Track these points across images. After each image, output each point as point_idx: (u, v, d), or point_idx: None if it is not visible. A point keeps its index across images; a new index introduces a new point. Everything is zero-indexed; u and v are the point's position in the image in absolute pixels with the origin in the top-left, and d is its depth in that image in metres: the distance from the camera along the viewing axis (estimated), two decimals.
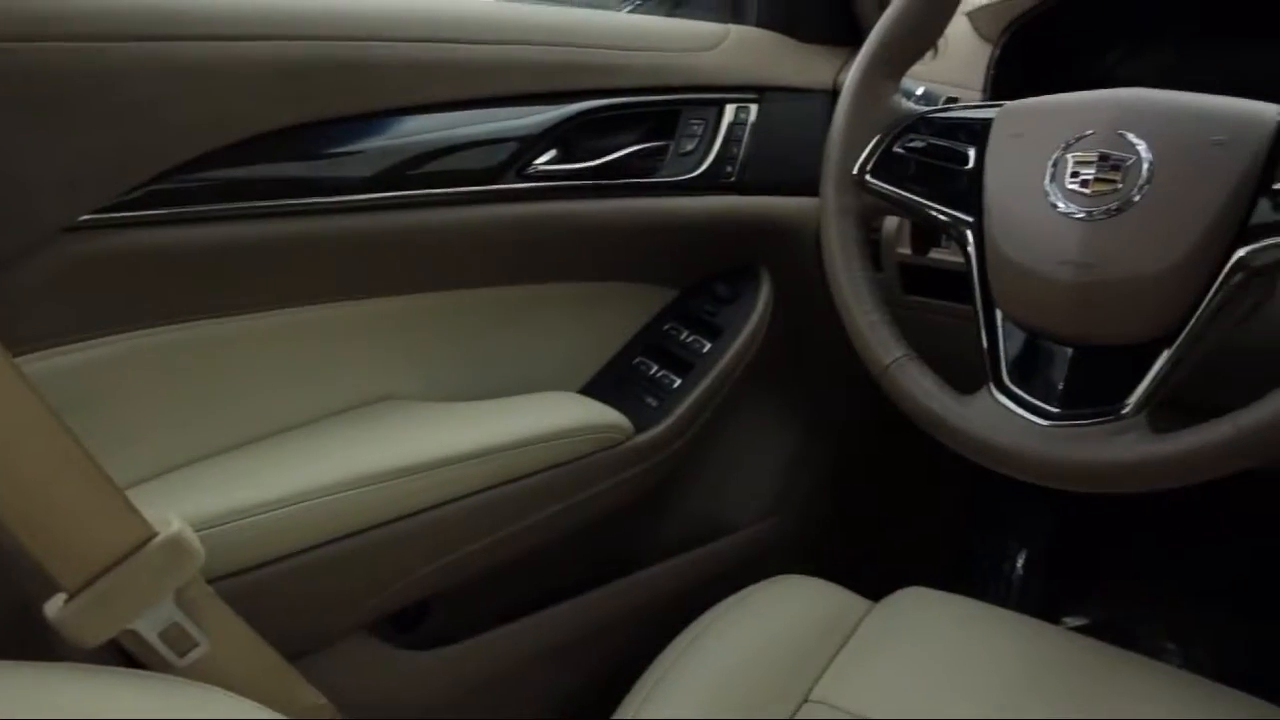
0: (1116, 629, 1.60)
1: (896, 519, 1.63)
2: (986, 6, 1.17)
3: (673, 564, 1.28)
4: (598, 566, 1.22)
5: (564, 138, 1.06)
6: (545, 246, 1.10)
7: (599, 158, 1.08)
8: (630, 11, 1.39)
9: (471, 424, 1.03)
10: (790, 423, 1.42)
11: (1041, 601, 1.67)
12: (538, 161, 1.04)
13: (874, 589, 1.04)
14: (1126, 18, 1.14)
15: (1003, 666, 0.91)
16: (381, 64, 0.95)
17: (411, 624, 1.06)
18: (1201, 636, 1.55)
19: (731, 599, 1.02)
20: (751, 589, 1.04)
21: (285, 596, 0.89)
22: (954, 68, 1.18)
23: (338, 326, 1.02)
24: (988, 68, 1.14)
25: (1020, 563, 1.72)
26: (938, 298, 1.11)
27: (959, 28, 1.22)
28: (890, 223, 1.14)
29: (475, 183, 1.02)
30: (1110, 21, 1.15)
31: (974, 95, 1.13)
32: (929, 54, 1.21)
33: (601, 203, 1.10)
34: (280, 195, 0.92)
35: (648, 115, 1.13)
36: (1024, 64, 1.14)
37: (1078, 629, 1.59)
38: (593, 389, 1.19)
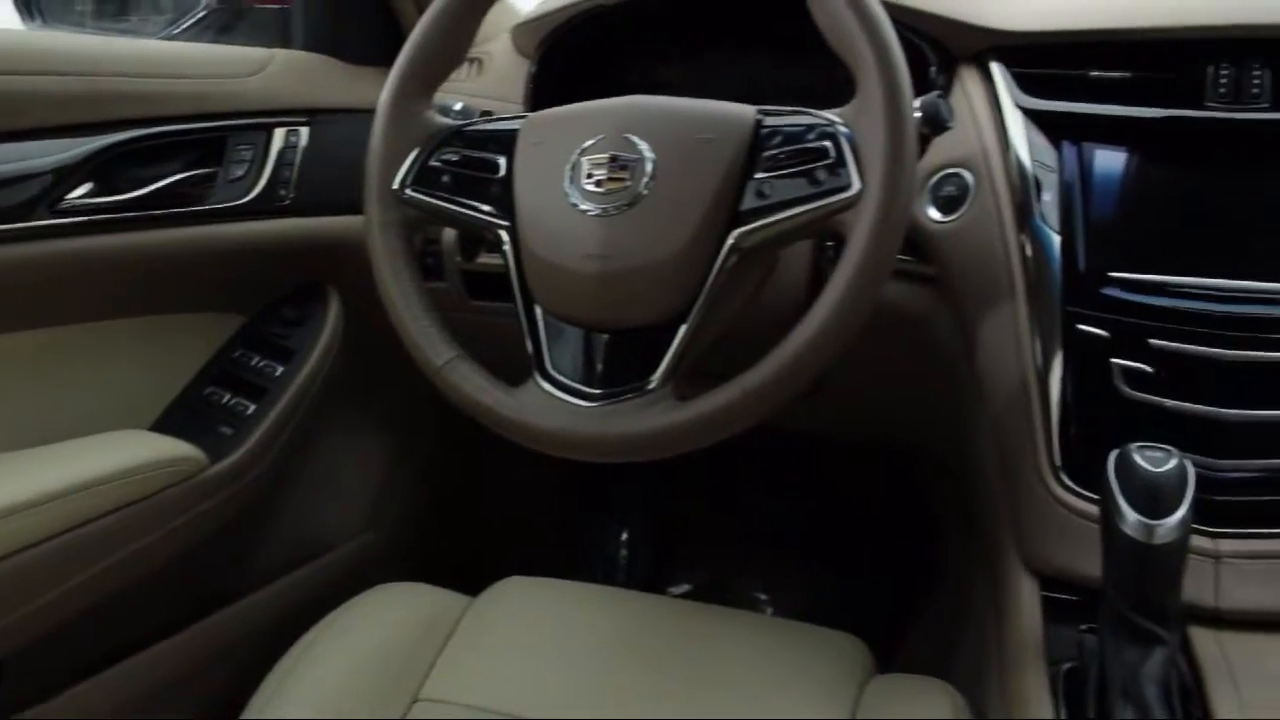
0: (715, 590, 1.74)
1: (503, 515, 1.68)
2: (524, 24, 1.24)
3: (273, 589, 1.27)
4: (193, 602, 1.19)
5: (101, 170, 1.03)
6: (93, 283, 1.06)
7: (142, 188, 1.06)
8: (170, 38, 1.36)
9: (30, 472, 0.97)
10: (381, 436, 1.44)
11: (647, 576, 1.78)
12: (72, 196, 1.00)
13: (485, 587, 1.07)
14: (651, 34, 1.24)
15: (600, 638, 0.98)
16: None
17: None
18: (789, 584, 1.71)
19: (331, 615, 1.03)
20: (350, 602, 1.05)
21: None
22: (496, 82, 1.24)
23: None
24: (527, 82, 1.21)
25: (623, 542, 1.83)
26: (497, 300, 1.16)
27: (503, 45, 1.28)
28: (450, 234, 1.19)
29: (3, 221, 0.97)
30: (636, 37, 1.25)
31: (516, 108, 1.20)
32: (473, 70, 1.27)
33: (149, 234, 1.07)
34: None
35: (192, 143, 1.11)
36: (559, 76, 1.22)
37: (683, 595, 1.72)
38: (164, 424, 1.16)
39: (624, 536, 1.82)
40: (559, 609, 1.03)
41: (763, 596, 1.72)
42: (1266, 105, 0.93)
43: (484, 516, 1.65)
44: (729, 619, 1.02)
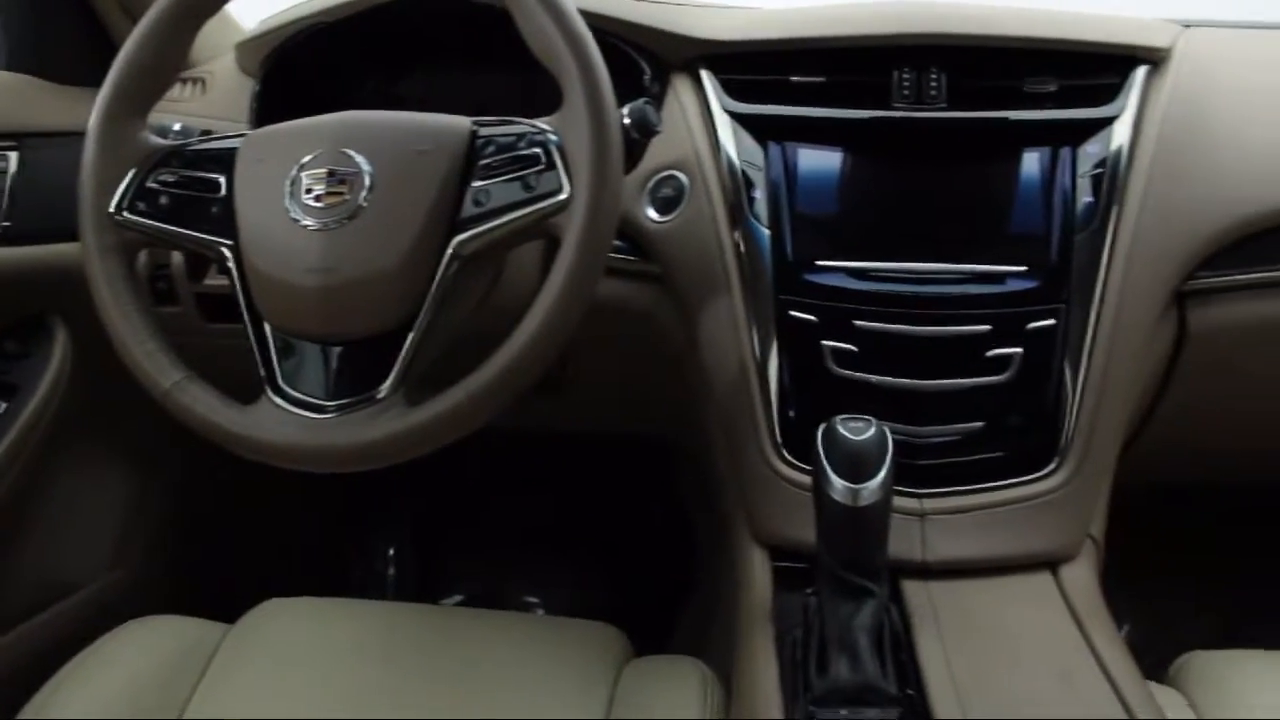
0: (488, 597, 1.75)
1: (264, 541, 1.64)
2: (246, 42, 1.23)
3: (11, 637, 1.21)
4: None
5: None
6: None
7: None
8: None
9: None
10: (124, 469, 1.39)
11: (416, 590, 1.78)
12: None
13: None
14: (378, 50, 1.25)
15: (360, 650, 0.98)
16: None
17: None
18: (558, 583, 1.75)
19: (77, 657, 0.99)
20: (97, 642, 1.01)
21: None
22: (220, 102, 1.22)
23: None
24: (251, 101, 1.20)
25: (390, 558, 1.82)
26: (232, 321, 1.15)
27: (226, 64, 1.26)
28: (179, 256, 1.16)
29: None
30: (364, 53, 1.25)
31: (241, 128, 1.18)
32: (196, 90, 1.25)
33: None
34: None
35: None
36: (287, 95, 1.21)
37: (458, 604, 1.72)
38: None
39: (390, 553, 1.81)
40: (320, 627, 1.03)
41: (534, 599, 1.75)
42: (944, 105, 1.02)
43: (242, 543, 1.61)
44: (488, 620, 1.04)
